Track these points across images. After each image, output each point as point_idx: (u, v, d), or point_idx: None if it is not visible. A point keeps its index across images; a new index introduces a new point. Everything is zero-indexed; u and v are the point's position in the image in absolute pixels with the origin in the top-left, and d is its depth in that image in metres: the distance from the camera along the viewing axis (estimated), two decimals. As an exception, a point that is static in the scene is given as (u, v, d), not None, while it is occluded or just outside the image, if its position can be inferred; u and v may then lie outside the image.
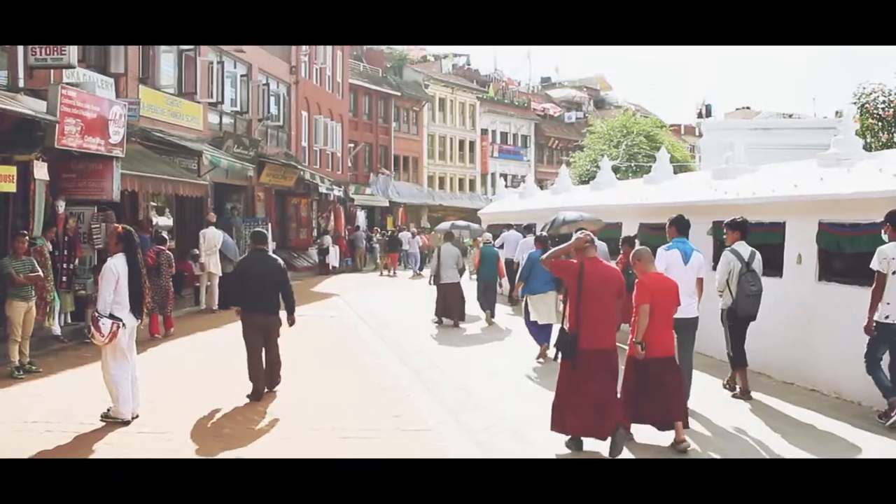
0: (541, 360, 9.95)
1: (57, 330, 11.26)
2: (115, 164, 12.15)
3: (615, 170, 25.67)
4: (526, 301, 10.27)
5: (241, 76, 23.06)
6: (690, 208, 10.66)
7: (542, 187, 27.65)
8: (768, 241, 9.33)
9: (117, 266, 6.94)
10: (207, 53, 20.41)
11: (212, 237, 15.32)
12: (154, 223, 16.81)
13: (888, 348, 6.82)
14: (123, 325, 6.90)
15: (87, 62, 14.95)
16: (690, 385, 7.30)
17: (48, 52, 11.43)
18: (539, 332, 10.12)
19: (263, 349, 8.25)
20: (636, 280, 6.50)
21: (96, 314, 6.89)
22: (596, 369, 6.05)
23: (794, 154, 12.63)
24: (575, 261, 6.30)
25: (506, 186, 30.80)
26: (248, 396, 8.10)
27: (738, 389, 8.02)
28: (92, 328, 6.95)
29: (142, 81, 17.38)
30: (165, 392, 8.42)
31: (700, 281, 7.50)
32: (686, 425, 6.35)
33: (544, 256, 6.70)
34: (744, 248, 7.78)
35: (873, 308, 6.78)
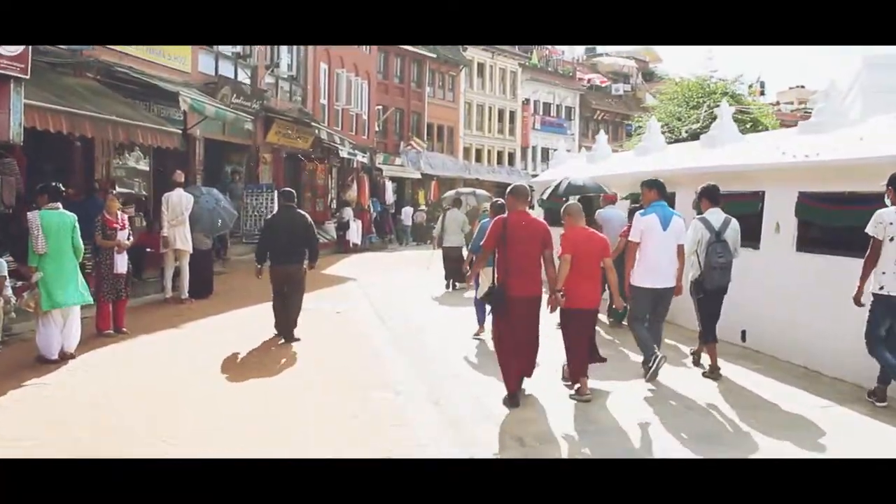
0: (478, 336, 9.50)
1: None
2: (11, 88, 8.21)
3: (695, 136, 21.22)
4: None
5: (244, 11, 18.92)
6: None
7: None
8: None
9: None
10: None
11: (177, 203, 11.36)
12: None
13: (891, 322, 6.22)
14: None
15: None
16: (659, 356, 7.11)
17: None
18: (481, 309, 9.40)
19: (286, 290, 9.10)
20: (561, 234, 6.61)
21: None
22: (523, 315, 6.37)
23: None
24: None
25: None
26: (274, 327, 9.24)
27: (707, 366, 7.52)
28: None
29: (105, 3, 13.56)
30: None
31: (681, 248, 7.26)
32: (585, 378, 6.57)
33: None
34: (716, 217, 7.33)
35: (865, 276, 6.30)
